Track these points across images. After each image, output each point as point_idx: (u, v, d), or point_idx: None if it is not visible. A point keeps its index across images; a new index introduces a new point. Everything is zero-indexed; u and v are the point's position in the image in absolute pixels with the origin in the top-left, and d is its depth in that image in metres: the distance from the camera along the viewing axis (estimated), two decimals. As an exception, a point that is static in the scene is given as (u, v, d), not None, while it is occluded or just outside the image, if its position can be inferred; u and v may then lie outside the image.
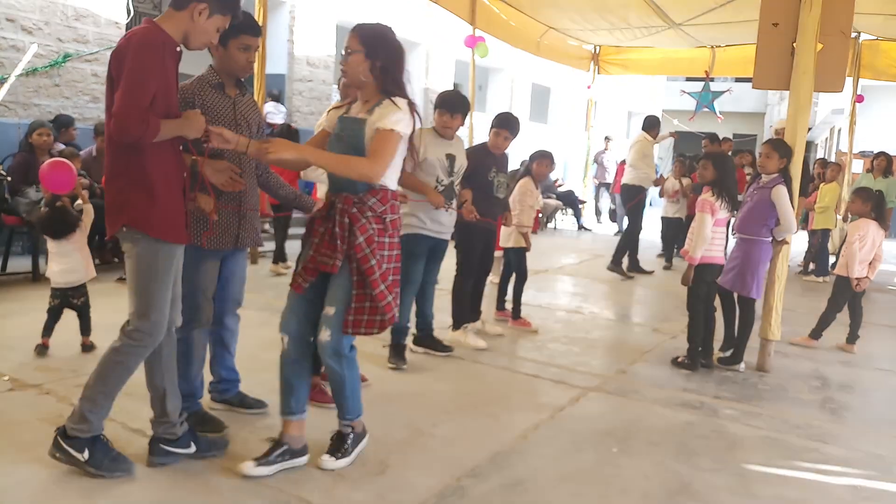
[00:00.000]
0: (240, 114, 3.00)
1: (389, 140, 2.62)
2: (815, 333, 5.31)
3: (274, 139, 2.56)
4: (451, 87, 13.18)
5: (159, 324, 2.56)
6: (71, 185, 4.13)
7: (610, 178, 14.00)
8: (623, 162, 11.92)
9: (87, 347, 4.07)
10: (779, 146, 4.45)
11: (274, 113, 9.80)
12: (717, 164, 4.47)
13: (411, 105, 2.71)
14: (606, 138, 14.15)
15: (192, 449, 2.77)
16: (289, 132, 6.63)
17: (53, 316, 4.03)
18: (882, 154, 8.93)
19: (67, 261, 3.99)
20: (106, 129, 2.47)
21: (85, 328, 4.12)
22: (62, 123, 6.84)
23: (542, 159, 5.30)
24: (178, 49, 2.51)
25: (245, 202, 3.01)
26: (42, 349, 3.98)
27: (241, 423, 3.18)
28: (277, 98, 9.94)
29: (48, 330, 4.02)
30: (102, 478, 2.56)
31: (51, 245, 4.02)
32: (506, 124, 4.56)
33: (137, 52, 2.38)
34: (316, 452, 2.81)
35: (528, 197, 5.27)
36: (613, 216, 13.13)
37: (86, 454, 2.57)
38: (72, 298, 4.04)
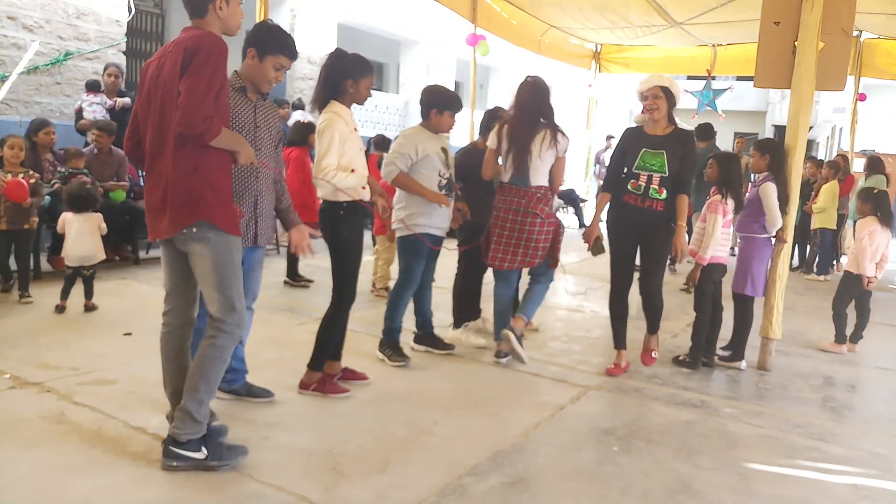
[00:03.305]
0: (260, 117, 3.11)
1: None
2: (839, 338, 5.23)
3: None
4: (453, 86, 13.19)
5: (243, 313, 2.72)
6: (24, 198, 4.97)
7: None
8: None
9: (90, 308, 4.87)
10: (760, 146, 4.56)
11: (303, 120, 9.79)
12: (721, 165, 4.49)
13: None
14: (608, 137, 14.15)
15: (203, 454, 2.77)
16: (303, 127, 6.64)
17: (69, 281, 4.85)
18: (869, 152, 8.90)
19: (83, 244, 4.86)
20: (151, 128, 2.59)
21: (88, 293, 4.91)
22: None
23: None
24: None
25: (261, 203, 3.14)
26: (61, 309, 4.77)
27: (247, 411, 3.23)
28: (300, 107, 9.95)
29: (65, 293, 4.82)
30: (226, 468, 2.66)
31: (69, 226, 4.85)
32: (499, 120, 4.57)
33: (213, 57, 2.45)
34: (316, 442, 2.80)
35: None
36: None
37: (204, 451, 2.66)
38: (83, 270, 4.90)
